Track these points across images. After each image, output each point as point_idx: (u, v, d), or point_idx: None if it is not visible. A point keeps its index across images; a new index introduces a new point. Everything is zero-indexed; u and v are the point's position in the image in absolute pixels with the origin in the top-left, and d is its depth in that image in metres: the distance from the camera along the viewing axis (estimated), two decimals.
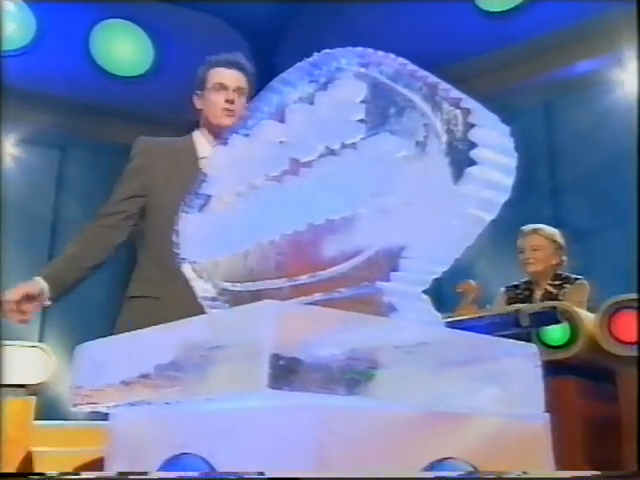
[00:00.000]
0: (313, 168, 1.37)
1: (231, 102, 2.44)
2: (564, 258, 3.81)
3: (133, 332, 1.30)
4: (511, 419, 1.30)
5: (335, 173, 1.32)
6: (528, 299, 3.74)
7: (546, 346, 2.64)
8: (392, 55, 1.33)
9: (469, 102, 1.18)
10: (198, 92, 2.53)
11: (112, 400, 1.29)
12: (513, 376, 1.31)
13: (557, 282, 3.72)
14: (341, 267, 1.28)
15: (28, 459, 3.67)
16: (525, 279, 3.84)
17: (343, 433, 1.05)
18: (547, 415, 1.34)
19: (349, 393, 1.04)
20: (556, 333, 2.66)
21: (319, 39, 5.83)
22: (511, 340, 1.35)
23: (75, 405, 1.37)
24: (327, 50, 1.44)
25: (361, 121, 1.32)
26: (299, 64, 1.49)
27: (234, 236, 1.52)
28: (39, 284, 2.22)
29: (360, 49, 1.39)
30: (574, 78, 5.25)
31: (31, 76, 5.72)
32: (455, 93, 1.20)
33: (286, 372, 0.98)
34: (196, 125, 2.59)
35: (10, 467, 3.48)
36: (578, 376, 2.70)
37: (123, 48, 6.25)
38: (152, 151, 2.53)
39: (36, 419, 3.60)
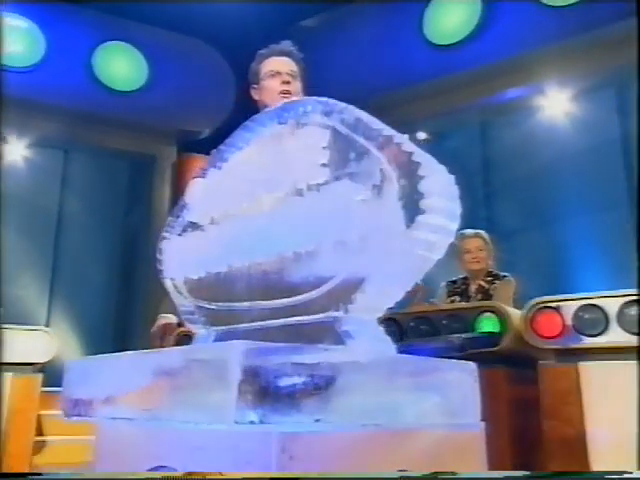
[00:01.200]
0: (282, 206, 1.29)
1: (287, 83, 2.20)
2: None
3: (117, 354, 1.21)
4: (452, 429, 1.25)
5: (302, 212, 1.24)
6: (465, 292, 3.70)
7: None
8: (352, 106, 1.26)
9: (420, 155, 1.11)
10: (254, 86, 2.30)
11: (98, 414, 1.21)
12: (454, 389, 1.26)
13: (488, 278, 3.68)
14: (305, 296, 1.21)
15: (34, 426, 3.59)
16: (462, 275, 3.79)
17: (302, 457, 0.98)
18: (483, 424, 1.29)
19: (309, 420, 0.98)
20: (488, 328, 2.63)
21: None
22: (453, 360, 1.29)
23: (67, 416, 1.28)
24: (294, 98, 1.37)
25: (324, 165, 1.25)
26: (269, 109, 1.41)
27: (208, 259, 1.44)
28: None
29: (324, 99, 1.31)
30: (505, 103, 5.30)
31: (41, 89, 5.67)
32: (408, 146, 1.13)
33: (251, 406, 0.91)
34: None
35: (16, 433, 3.40)
36: (506, 364, 2.67)
37: (121, 66, 6.16)
38: None
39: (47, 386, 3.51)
